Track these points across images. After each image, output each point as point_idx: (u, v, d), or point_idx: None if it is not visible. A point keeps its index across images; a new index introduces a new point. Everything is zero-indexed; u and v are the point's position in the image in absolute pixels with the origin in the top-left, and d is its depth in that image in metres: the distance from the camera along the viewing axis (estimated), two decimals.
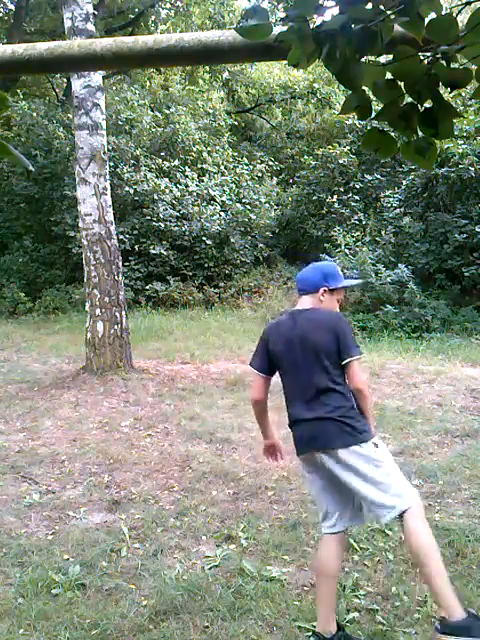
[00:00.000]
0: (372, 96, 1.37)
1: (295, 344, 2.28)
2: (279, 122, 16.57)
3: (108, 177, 6.41)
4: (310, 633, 2.23)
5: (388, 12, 1.20)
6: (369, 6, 1.22)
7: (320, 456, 2.23)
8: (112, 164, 10.49)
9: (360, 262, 9.27)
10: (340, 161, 11.56)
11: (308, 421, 2.26)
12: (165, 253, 11.16)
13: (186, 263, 11.54)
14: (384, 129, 1.39)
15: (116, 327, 6.26)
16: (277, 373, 2.43)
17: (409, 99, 1.30)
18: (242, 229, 11.89)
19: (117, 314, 6.28)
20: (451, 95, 9.18)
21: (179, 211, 11.47)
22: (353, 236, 10.22)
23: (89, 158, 6.21)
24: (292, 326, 2.31)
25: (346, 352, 2.21)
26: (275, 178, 13.68)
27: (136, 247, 11.09)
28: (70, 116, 10.82)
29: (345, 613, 2.36)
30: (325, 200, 11.55)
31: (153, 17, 15.46)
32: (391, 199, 10.79)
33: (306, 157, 12.44)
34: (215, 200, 11.85)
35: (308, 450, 2.28)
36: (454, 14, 1.23)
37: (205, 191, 11.78)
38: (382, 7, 1.20)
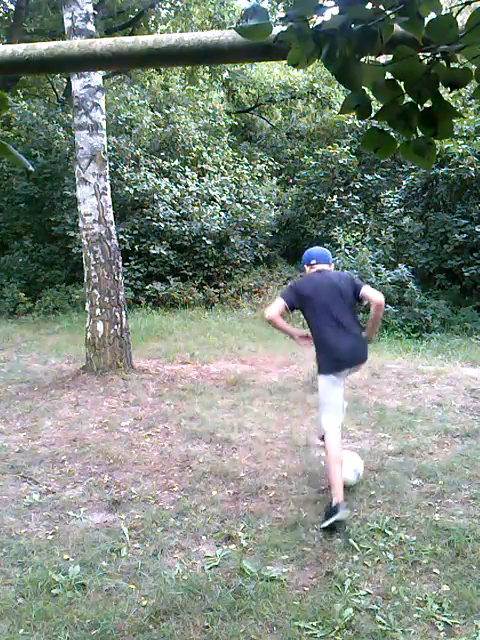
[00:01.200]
0: (372, 96, 1.37)
1: (327, 288, 3.23)
2: (279, 122, 16.57)
3: (108, 177, 6.40)
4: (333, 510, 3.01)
5: (388, 12, 1.20)
6: (369, 6, 1.22)
7: (352, 368, 3.26)
8: (112, 164, 10.49)
9: (360, 262, 9.27)
10: (340, 161, 11.56)
11: (353, 339, 3.19)
12: (165, 253, 11.16)
13: (186, 263, 11.54)
14: (384, 129, 1.39)
15: (116, 327, 6.26)
16: (298, 316, 3.45)
17: (409, 99, 1.30)
18: (242, 229, 11.89)
19: (117, 314, 6.28)
20: (451, 95, 9.19)
21: (179, 211, 11.47)
22: (353, 236, 10.22)
23: (89, 158, 6.20)
24: (323, 278, 3.30)
25: (359, 287, 3.25)
26: (275, 178, 13.68)
27: (136, 247, 11.09)
28: (70, 116, 10.82)
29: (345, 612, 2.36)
30: (325, 200, 11.55)
31: (153, 17, 15.45)
32: (391, 199, 10.79)
33: (306, 157, 12.44)
34: (215, 200, 11.85)
35: (353, 364, 3.25)
36: (454, 14, 1.23)
37: (205, 191, 11.78)
38: (382, 7, 1.20)
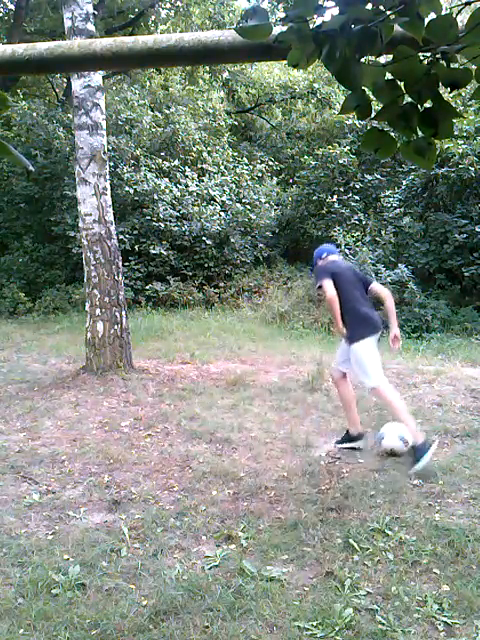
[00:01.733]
0: (372, 96, 1.37)
1: (349, 270, 3.93)
2: (279, 122, 16.57)
3: (108, 177, 6.40)
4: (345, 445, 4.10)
5: (388, 12, 1.20)
6: (369, 6, 1.22)
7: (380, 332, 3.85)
8: (112, 164, 10.49)
9: (360, 262, 9.28)
10: (340, 161, 11.56)
11: (375, 312, 3.86)
12: (165, 253, 11.16)
13: (186, 263, 11.54)
14: (384, 129, 1.39)
15: (116, 327, 6.26)
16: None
17: (409, 99, 1.30)
18: (242, 229, 11.89)
19: (117, 314, 6.28)
20: (451, 95, 9.19)
21: (179, 211, 11.47)
22: (353, 236, 10.22)
23: (89, 158, 6.20)
24: (342, 263, 4.04)
25: (369, 280, 4.01)
26: (275, 178, 13.68)
27: (136, 247, 11.09)
28: (70, 116, 10.82)
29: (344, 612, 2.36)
30: (325, 200, 11.55)
31: (153, 17, 15.45)
32: (391, 199, 10.79)
33: (306, 157, 12.44)
34: (215, 200, 11.85)
35: (380, 329, 3.85)
36: (454, 14, 1.23)
37: (205, 191, 11.78)
38: (382, 7, 1.21)
